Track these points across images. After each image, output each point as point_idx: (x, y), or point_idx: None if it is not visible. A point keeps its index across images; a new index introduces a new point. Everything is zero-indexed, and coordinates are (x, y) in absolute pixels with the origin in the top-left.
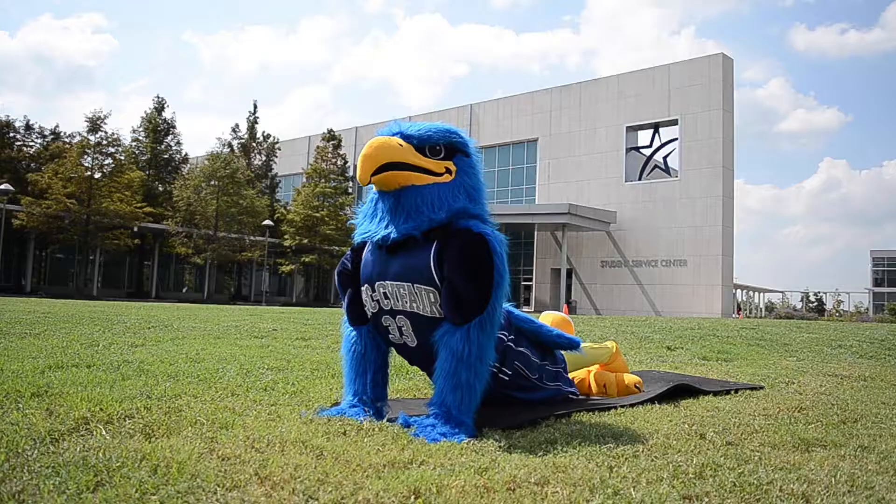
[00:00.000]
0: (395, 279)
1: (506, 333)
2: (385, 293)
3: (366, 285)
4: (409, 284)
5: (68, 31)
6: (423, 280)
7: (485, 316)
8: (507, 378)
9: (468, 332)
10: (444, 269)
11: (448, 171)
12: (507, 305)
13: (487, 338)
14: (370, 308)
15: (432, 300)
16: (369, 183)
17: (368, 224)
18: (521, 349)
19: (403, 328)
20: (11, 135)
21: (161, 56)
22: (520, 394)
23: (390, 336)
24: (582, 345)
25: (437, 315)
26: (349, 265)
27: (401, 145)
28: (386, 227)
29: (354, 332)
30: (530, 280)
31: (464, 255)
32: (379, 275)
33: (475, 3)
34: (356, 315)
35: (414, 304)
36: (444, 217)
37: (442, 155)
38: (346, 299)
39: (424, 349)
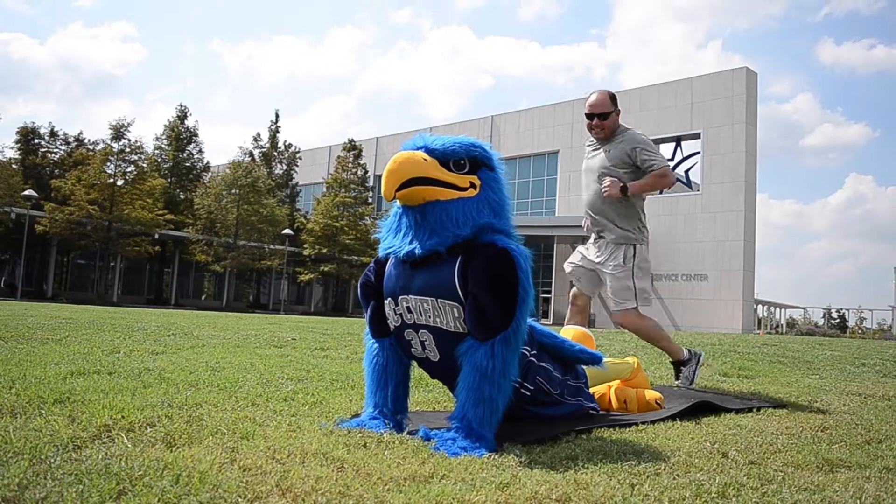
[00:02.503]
0: (419, 294)
1: (528, 348)
2: (408, 307)
3: (389, 299)
4: (433, 299)
5: (98, 40)
6: (447, 295)
7: (509, 331)
8: (528, 393)
9: (492, 347)
10: (468, 284)
11: (472, 185)
12: (529, 320)
13: (512, 353)
14: (393, 322)
15: (456, 315)
16: (394, 198)
17: (392, 238)
18: (544, 364)
19: (426, 342)
20: (36, 141)
21: (188, 65)
22: (541, 409)
23: (412, 350)
24: (604, 360)
25: (461, 330)
26: (372, 277)
27: (425, 160)
28: (410, 242)
29: (376, 345)
30: (549, 293)
31: (488, 270)
32: (402, 289)
33: (503, 15)
34: (379, 327)
35: (437, 319)
36: (468, 233)
37: (466, 169)
38: (368, 311)
39: (447, 364)
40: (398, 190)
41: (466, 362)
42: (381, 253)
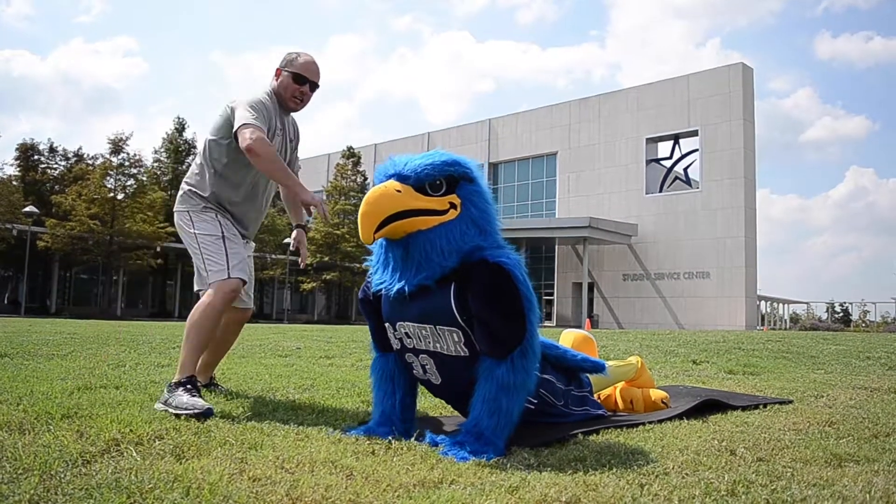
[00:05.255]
0: (416, 321)
1: None
2: (406, 333)
3: (387, 324)
4: (431, 326)
5: (99, 55)
6: (446, 321)
7: (525, 344)
8: (533, 407)
9: (513, 362)
10: (468, 307)
11: (453, 205)
12: None
13: (531, 362)
14: (394, 344)
15: (456, 340)
16: (374, 241)
17: (382, 273)
18: (547, 376)
19: (427, 366)
20: (36, 157)
21: (188, 77)
22: (546, 420)
23: (414, 372)
24: (607, 365)
25: (462, 354)
26: (370, 295)
27: (398, 191)
28: (399, 279)
29: (383, 357)
30: (551, 294)
31: (488, 290)
32: (399, 316)
33: (502, 19)
34: (383, 343)
35: (437, 345)
36: (455, 263)
37: (443, 189)
38: (371, 329)
39: (449, 386)
40: (377, 231)
41: (487, 377)
42: (373, 288)
